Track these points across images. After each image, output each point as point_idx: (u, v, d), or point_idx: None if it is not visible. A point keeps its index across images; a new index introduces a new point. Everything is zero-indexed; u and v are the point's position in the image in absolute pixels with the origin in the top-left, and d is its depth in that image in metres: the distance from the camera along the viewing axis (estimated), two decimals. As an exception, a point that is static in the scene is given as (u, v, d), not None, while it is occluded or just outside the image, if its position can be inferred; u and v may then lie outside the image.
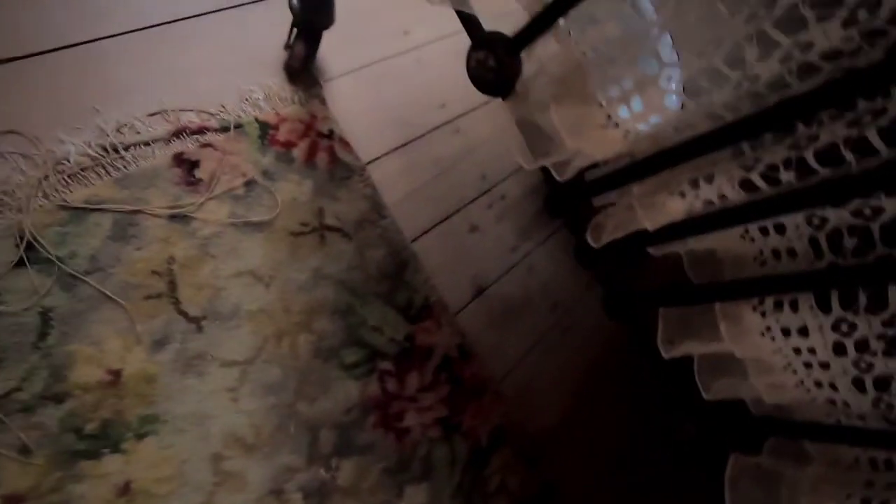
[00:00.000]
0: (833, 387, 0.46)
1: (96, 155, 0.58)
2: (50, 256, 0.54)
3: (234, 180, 0.67)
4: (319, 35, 0.73)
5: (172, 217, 0.62)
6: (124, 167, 0.60)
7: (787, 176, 0.39)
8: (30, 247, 0.53)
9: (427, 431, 0.75)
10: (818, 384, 0.47)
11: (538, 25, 0.48)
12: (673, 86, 0.41)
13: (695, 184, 0.45)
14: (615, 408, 0.91)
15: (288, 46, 0.73)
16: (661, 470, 0.88)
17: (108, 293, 0.56)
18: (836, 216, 0.41)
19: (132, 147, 0.61)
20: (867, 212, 0.39)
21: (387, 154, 0.83)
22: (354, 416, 0.69)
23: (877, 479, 0.47)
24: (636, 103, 0.44)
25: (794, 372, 0.48)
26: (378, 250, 0.77)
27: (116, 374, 0.56)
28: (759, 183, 0.41)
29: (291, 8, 0.69)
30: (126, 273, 0.58)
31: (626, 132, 0.47)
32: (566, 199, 0.53)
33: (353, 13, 0.80)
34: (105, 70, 0.62)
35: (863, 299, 0.40)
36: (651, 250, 0.54)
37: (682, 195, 0.46)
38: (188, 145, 0.65)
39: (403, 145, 0.86)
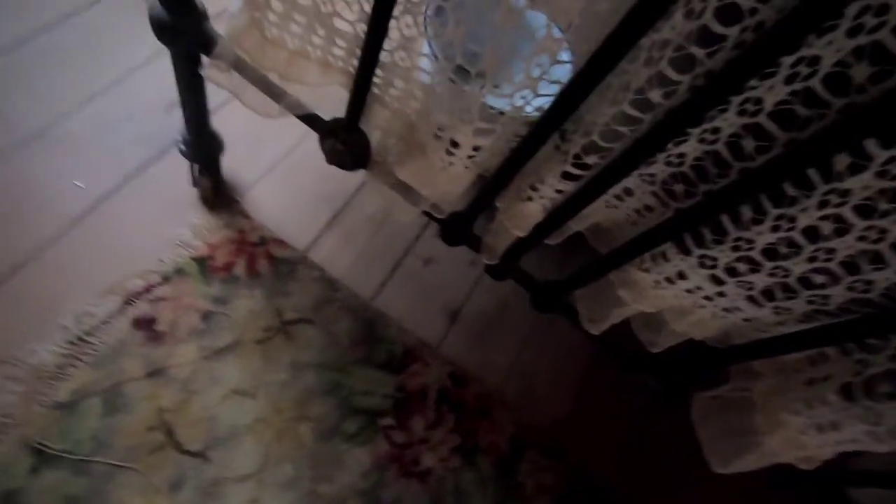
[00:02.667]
0: (738, 309, 0.49)
1: (67, 351, 0.66)
2: (58, 453, 0.61)
3: (191, 319, 0.74)
4: (217, 161, 0.80)
5: (150, 374, 0.69)
6: (93, 351, 0.68)
7: (592, 159, 0.43)
8: (38, 451, 0.61)
9: (447, 464, 0.79)
10: (726, 310, 0.50)
11: (357, 96, 0.52)
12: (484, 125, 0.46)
13: (534, 188, 0.48)
14: (614, 382, 0.93)
15: (195, 183, 0.80)
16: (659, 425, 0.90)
17: (117, 463, 0.63)
18: (659, 170, 0.44)
19: (94, 330, 0.69)
20: (675, 160, 0.42)
21: (321, 234, 0.89)
22: (374, 478, 0.74)
23: (816, 373, 0.49)
24: (458, 141, 0.48)
25: (702, 307, 0.51)
26: (342, 322, 0.83)
27: (149, 527, 0.63)
28: (576, 172, 0.44)
29: (182, 152, 0.76)
30: (127, 439, 0.65)
31: (464, 166, 0.51)
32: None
33: (241, 130, 0.87)
34: (46, 276, 0.70)
35: (707, 234, 0.43)
36: (548, 241, 0.57)
37: (530, 199, 0.50)
38: (142, 307, 0.72)
39: (334, 218, 0.92)
